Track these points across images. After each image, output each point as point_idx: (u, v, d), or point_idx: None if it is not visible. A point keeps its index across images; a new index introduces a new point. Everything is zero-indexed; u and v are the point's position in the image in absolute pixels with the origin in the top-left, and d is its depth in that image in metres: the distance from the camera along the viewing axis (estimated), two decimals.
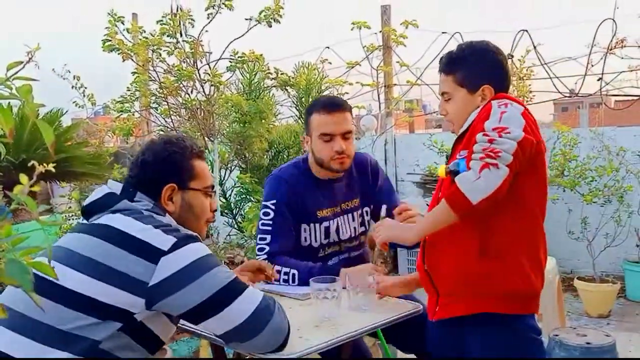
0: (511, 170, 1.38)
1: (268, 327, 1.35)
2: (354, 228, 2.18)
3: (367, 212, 2.22)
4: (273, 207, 2.05)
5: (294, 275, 1.97)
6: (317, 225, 2.11)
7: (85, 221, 1.47)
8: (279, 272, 1.96)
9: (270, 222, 2.03)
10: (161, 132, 1.53)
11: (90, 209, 1.47)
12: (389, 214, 1.89)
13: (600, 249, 4.20)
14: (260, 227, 2.06)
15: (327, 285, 1.63)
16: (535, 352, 1.50)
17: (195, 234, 1.42)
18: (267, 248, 2.01)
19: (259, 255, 2.03)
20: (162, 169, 1.50)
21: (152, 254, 1.30)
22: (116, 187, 1.49)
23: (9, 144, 1.35)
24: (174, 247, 1.32)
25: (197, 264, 1.33)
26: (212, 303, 1.32)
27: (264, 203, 2.09)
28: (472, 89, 1.66)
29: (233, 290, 1.35)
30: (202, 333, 1.61)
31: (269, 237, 2.02)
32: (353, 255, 2.19)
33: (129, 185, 1.49)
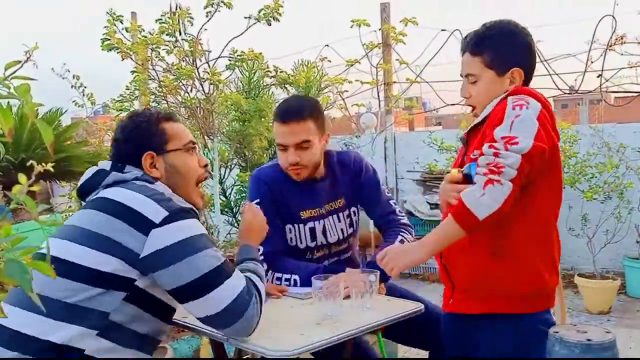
0: (516, 185, 1.36)
1: (242, 318, 1.37)
2: (342, 230, 2.13)
3: (354, 212, 2.17)
4: (257, 207, 1.99)
5: (295, 280, 1.96)
6: (302, 226, 2.07)
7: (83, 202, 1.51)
8: (279, 279, 1.96)
9: None
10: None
11: (85, 190, 1.50)
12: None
13: (600, 245, 4.20)
14: None
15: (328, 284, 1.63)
16: (542, 346, 1.47)
17: (190, 207, 1.42)
18: (261, 248, 1.95)
19: None
20: (134, 140, 1.53)
21: (143, 225, 1.32)
22: (106, 164, 1.52)
23: (8, 144, 1.35)
24: (166, 221, 1.33)
25: (187, 242, 1.34)
26: (197, 285, 1.33)
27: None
28: (501, 71, 1.59)
29: (219, 276, 1.36)
30: (203, 330, 1.61)
31: None
32: (343, 258, 2.17)
33: (116, 161, 1.53)
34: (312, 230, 2.08)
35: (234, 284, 1.38)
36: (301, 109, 1.99)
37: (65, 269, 1.31)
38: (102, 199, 1.41)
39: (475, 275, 1.55)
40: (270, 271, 1.99)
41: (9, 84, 0.69)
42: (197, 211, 1.47)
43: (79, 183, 1.52)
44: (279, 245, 2.00)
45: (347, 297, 1.71)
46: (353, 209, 2.17)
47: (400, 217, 2.16)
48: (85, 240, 1.33)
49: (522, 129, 1.40)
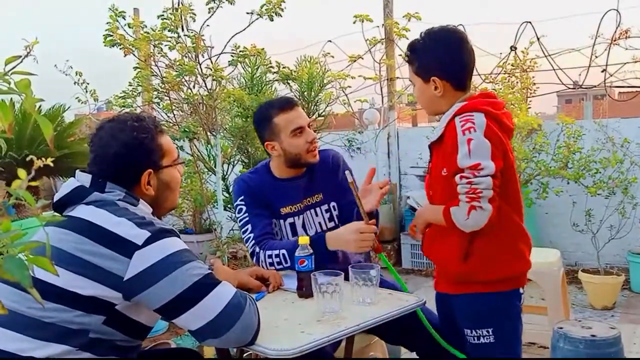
0: (494, 201, 1.57)
1: (238, 323, 1.35)
2: (320, 223, 2.19)
3: (334, 207, 2.22)
4: (242, 202, 2.14)
5: (283, 255, 2.00)
6: (282, 221, 2.16)
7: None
8: (270, 256, 2.01)
9: (246, 215, 2.12)
10: (114, 117, 1.47)
11: (61, 204, 1.45)
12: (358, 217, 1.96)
13: (604, 241, 4.19)
14: (240, 224, 2.14)
15: (329, 279, 1.62)
16: (515, 315, 1.78)
17: (170, 227, 1.41)
18: (252, 235, 2.07)
19: (248, 247, 2.09)
20: (137, 158, 1.49)
21: (127, 248, 1.31)
22: (85, 179, 1.46)
23: (11, 140, 1.35)
24: (148, 242, 1.32)
25: (169, 259, 1.33)
26: (184, 299, 1.32)
27: (235, 204, 2.16)
28: (424, 79, 1.75)
29: (205, 287, 1.34)
30: None
31: (249, 227, 2.09)
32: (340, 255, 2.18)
33: (97, 176, 1.46)
34: (292, 225, 2.17)
35: (223, 292, 1.36)
36: (292, 98, 2.27)
37: (42, 288, 1.29)
38: (82, 220, 1.37)
39: (449, 268, 1.77)
40: (261, 253, 2.04)
41: (9, 79, 0.68)
42: (176, 231, 1.44)
43: (56, 196, 1.46)
44: (265, 229, 2.09)
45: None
46: (332, 203, 2.23)
47: None
48: (64, 263, 1.30)
49: (479, 154, 1.58)
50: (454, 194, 1.63)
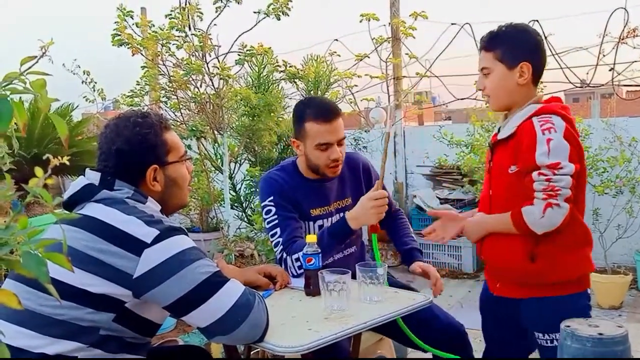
0: (570, 201, 1.60)
1: (247, 320, 1.36)
2: None
3: None
4: (272, 202, 2.05)
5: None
6: (312, 223, 2.12)
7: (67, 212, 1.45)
8: (297, 259, 1.94)
9: (275, 217, 2.04)
10: (120, 114, 1.49)
11: (71, 202, 1.45)
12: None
13: (612, 240, 4.18)
14: (268, 226, 2.06)
15: (336, 277, 1.63)
16: (587, 315, 1.73)
17: (178, 225, 1.42)
18: (280, 240, 2.01)
19: (276, 252, 2.03)
20: (140, 154, 1.48)
21: (136, 246, 1.31)
22: (94, 177, 1.46)
23: (21, 139, 1.36)
24: (157, 240, 1.32)
25: (178, 257, 1.33)
26: (193, 296, 1.33)
27: (263, 204, 2.09)
28: (510, 64, 1.75)
29: (213, 284, 1.35)
30: None
31: (278, 231, 2.02)
32: (348, 253, 2.20)
33: (106, 174, 1.47)
34: (321, 228, 2.12)
35: (232, 289, 1.37)
36: (337, 107, 2.11)
37: (57, 287, 1.29)
38: (92, 219, 1.37)
39: (515, 271, 1.76)
40: (288, 258, 1.99)
41: (25, 79, 0.70)
42: (184, 230, 1.44)
43: (66, 194, 1.46)
44: (293, 233, 2.02)
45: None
46: None
47: (396, 205, 2.42)
48: (75, 261, 1.30)
49: (559, 153, 1.60)
50: (519, 192, 1.65)
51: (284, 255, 1.99)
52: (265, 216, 2.07)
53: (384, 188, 1.97)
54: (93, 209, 1.39)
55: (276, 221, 2.03)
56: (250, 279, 1.82)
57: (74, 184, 1.47)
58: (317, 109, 2.05)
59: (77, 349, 1.30)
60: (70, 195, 1.46)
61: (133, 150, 1.47)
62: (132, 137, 1.48)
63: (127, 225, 1.34)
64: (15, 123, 0.71)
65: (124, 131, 1.49)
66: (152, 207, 1.47)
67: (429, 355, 1.98)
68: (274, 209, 2.05)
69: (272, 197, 2.05)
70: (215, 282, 1.36)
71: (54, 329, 1.29)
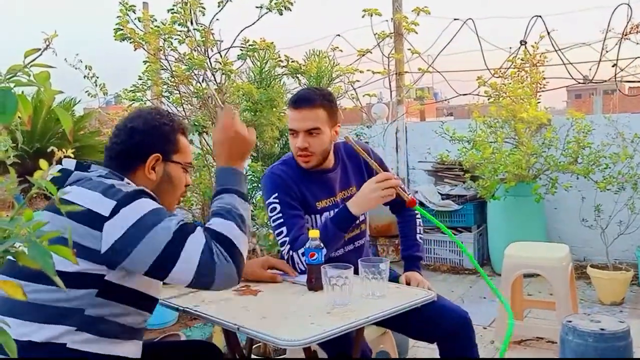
0: None
1: (217, 271, 1.32)
2: None
3: None
4: (277, 200, 2.04)
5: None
6: (318, 216, 2.11)
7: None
8: (304, 254, 1.92)
9: (280, 215, 2.03)
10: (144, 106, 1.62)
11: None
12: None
13: (613, 236, 4.17)
14: (273, 224, 2.04)
15: (339, 272, 1.64)
16: None
17: (139, 188, 1.40)
18: (287, 239, 2.00)
19: (282, 251, 2.03)
20: (151, 137, 1.53)
21: (96, 221, 1.32)
22: (70, 164, 1.48)
23: (23, 133, 1.36)
24: (115, 211, 1.32)
25: (139, 224, 1.32)
26: (163, 259, 1.32)
27: (267, 201, 2.07)
28: None
29: (178, 241, 1.33)
30: (215, 319, 1.63)
31: (285, 229, 2.01)
32: (357, 246, 2.20)
33: (108, 159, 1.52)
34: None
35: (192, 249, 1.33)
36: (314, 96, 2.08)
37: (28, 272, 1.23)
38: (60, 200, 1.37)
39: None
40: (294, 255, 1.98)
41: (29, 71, 0.70)
42: (147, 191, 1.42)
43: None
44: (300, 231, 2.01)
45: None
46: None
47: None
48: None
49: None
50: None
51: (291, 252, 1.98)
52: (270, 214, 2.05)
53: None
54: (63, 192, 1.39)
55: (281, 220, 2.02)
56: (255, 274, 1.82)
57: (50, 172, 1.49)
58: (295, 96, 2.12)
59: (64, 332, 1.30)
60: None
61: (146, 131, 1.52)
62: (150, 121, 1.54)
63: (85, 199, 1.33)
64: (19, 116, 0.71)
65: (146, 115, 1.57)
66: (122, 183, 1.43)
67: (429, 351, 1.98)
68: (278, 207, 2.03)
69: (276, 194, 2.04)
70: (179, 238, 1.33)
71: (37, 313, 1.29)
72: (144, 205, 1.36)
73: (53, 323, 1.30)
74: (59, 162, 1.45)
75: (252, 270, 1.83)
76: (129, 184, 1.46)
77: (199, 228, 1.40)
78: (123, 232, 1.31)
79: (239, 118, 1.61)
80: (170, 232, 1.34)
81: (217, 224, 1.40)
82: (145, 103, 4.22)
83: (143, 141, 1.52)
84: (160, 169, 1.53)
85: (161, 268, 1.33)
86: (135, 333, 1.45)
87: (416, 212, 2.31)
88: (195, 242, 1.34)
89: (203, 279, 1.34)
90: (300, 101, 2.06)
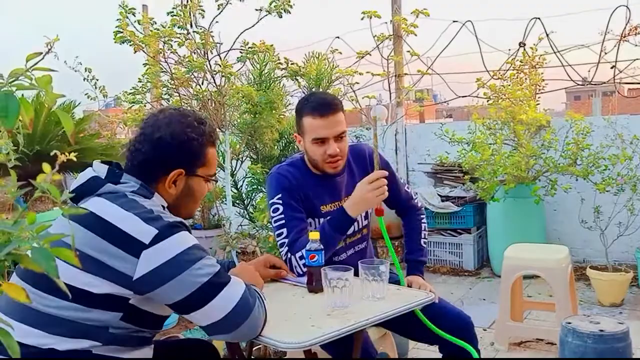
0: None
1: (246, 322, 1.36)
2: (357, 221, 2.16)
3: None
4: (280, 201, 2.03)
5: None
6: (322, 220, 2.10)
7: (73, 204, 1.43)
8: (302, 257, 1.94)
9: (282, 216, 2.02)
10: (181, 108, 1.46)
11: (77, 195, 1.42)
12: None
13: (613, 237, 4.18)
14: (274, 225, 2.04)
15: (339, 274, 1.64)
16: None
17: (179, 220, 1.39)
18: (286, 241, 2.00)
19: (281, 252, 2.02)
20: (177, 152, 1.46)
21: (134, 247, 1.29)
22: (101, 170, 1.45)
23: (23, 136, 1.36)
24: (156, 240, 1.30)
25: (178, 259, 1.31)
26: (194, 299, 1.32)
27: (270, 201, 2.06)
28: None
29: (215, 286, 1.34)
30: None
31: (285, 231, 2.01)
32: (357, 250, 2.21)
33: (130, 163, 1.47)
34: None
35: (233, 290, 1.37)
36: (334, 101, 2.08)
37: (55, 287, 1.27)
38: (92, 215, 1.34)
39: None
40: (292, 258, 1.98)
41: (31, 75, 0.70)
42: (186, 223, 1.42)
43: (72, 186, 1.45)
44: (299, 234, 2.00)
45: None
46: None
47: (416, 202, 2.34)
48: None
49: None
50: None
51: (289, 255, 1.98)
52: (272, 214, 2.05)
53: (392, 176, 2.00)
54: (95, 204, 1.38)
55: (283, 221, 2.02)
56: (261, 273, 1.81)
57: (81, 176, 1.46)
58: (314, 103, 2.05)
59: (90, 346, 1.31)
60: (75, 187, 1.44)
61: (173, 146, 1.45)
62: (179, 134, 1.46)
63: (125, 222, 1.32)
64: (20, 119, 0.71)
65: (176, 125, 1.47)
66: (155, 201, 1.44)
67: (430, 352, 1.98)
68: (281, 208, 2.03)
69: (280, 195, 2.03)
70: (216, 284, 1.35)
71: (63, 328, 1.29)
72: (185, 240, 1.35)
73: (79, 337, 1.29)
74: (61, 165, 1.43)
75: (257, 270, 1.83)
76: (164, 207, 1.44)
77: (237, 278, 1.43)
78: (160, 263, 1.29)
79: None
80: (211, 272, 1.35)
81: (255, 287, 1.48)
82: (145, 106, 4.23)
83: (168, 155, 1.46)
84: (181, 183, 1.49)
85: (190, 305, 1.33)
86: (149, 340, 1.47)
87: (422, 215, 2.33)
88: (233, 291, 1.37)
89: (229, 323, 1.36)
90: (325, 107, 2.02)
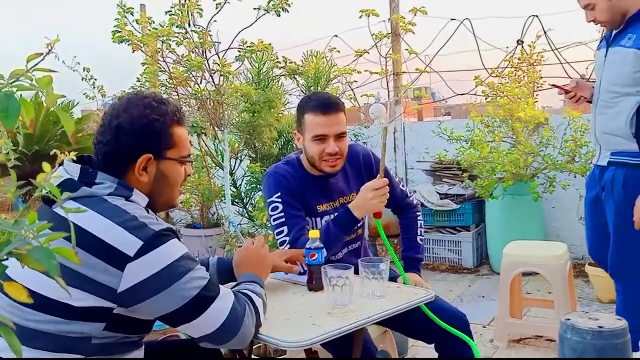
0: None
1: (238, 333, 1.34)
2: None
3: None
4: (279, 199, 2.04)
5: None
6: (319, 219, 2.12)
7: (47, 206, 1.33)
8: (304, 256, 1.91)
9: (282, 215, 2.03)
10: (139, 92, 1.36)
11: (50, 198, 1.31)
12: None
13: None
14: (274, 224, 2.04)
15: (339, 273, 1.64)
16: None
17: (167, 227, 1.32)
18: (287, 240, 2.00)
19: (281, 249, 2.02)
20: (139, 137, 1.37)
21: (118, 260, 1.23)
22: (74, 171, 1.33)
23: (22, 136, 1.36)
24: (141, 253, 1.24)
25: (165, 272, 1.26)
26: (181, 314, 1.29)
27: (269, 200, 2.06)
28: None
29: (204, 301, 1.30)
30: None
31: (285, 229, 2.01)
32: (353, 248, 2.22)
33: (96, 157, 1.38)
34: None
35: (222, 305, 1.33)
36: (337, 100, 2.11)
37: (37, 301, 1.21)
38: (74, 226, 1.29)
39: None
40: None
41: (32, 76, 0.71)
42: (174, 229, 1.36)
43: (44, 192, 1.40)
44: (300, 232, 2.01)
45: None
46: None
47: (412, 200, 2.37)
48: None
49: None
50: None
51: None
52: (271, 213, 2.05)
53: (387, 176, 2.01)
54: (75, 215, 1.26)
55: (283, 219, 2.02)
56: (276, 264, 1.79)
57: (54, 179, 1.34)
58: (317, 101, 2.07)
59: (71, 358, 1.27)
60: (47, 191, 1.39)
61: (134, 132, 1.37)
62: (138, 118, 1.37)
63: (108, 233, 1.24)
64: (20, 119, 0.72)
65: (133, 109, 1.38)
66: (138, 201, 1.38)
67: (429, 350, 1.99)
68: (281, 207, 2.03)
69: (279, 194, 2.04)
70: (206, 298, 1.31)
71: (44, 342, 1.25)
72: (172, 251, 1.29)
73: (61, 352, 1.25)
74: (61, 164, 1.36)
75: (273, 260, 1.81)
76: (148, 211, 1.38)
77: (226, 290, 1.39)
78: (146, 277, 1.24)
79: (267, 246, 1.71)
80: (200, 285, 1.30)
81: (249, 293, 1.45)
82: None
83: (131, 142, 1.37)
84: (153, 169, 1.40)
85: (178, 319, 1.30)
86: (139, 344, 1.43)
87: (418, 213, 2.36)
88: (222, 305, 1.33)
89: (219, 337, 1.33)
90: (329, 106, 2.04)
